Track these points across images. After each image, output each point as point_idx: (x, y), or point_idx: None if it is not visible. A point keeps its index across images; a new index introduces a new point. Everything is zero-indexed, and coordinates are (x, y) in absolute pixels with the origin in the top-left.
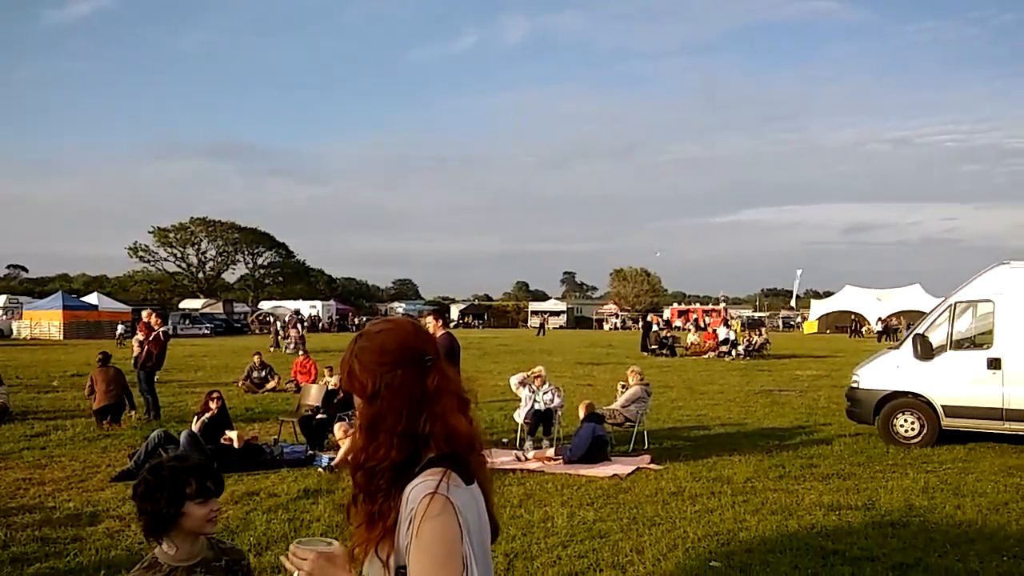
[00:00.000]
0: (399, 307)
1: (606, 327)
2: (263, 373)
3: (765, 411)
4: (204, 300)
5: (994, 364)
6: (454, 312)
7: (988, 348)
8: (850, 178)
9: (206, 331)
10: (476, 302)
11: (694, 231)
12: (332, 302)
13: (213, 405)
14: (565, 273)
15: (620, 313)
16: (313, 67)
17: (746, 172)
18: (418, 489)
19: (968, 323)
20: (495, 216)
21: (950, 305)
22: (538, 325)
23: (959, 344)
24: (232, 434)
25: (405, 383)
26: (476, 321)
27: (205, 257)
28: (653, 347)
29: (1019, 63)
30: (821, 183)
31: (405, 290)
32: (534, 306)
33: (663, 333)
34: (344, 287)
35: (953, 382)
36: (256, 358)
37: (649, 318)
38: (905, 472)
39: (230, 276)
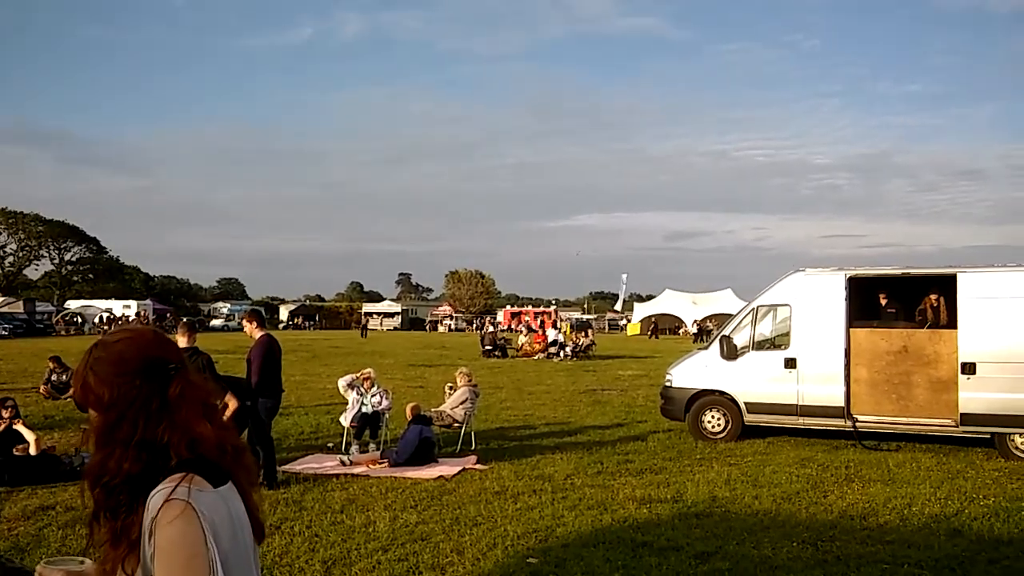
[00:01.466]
0: (223, 307)
1: (441, 329)
2: (64, 377)
3: (588, 410)
4: (2, 298)
5: (790, 364)
6: (283, 313)
7: (785, 349)
8: (673, 188)
9: (3, 332)
10: (307, 302)
11: (528, 235)
12: (149, 302)
13: (5, 414)
14: (401, 274)
15: (455, 315)
16: (137, 51)
17: (578, 179)
18: (156, 497)
19: (768, 326)
20: (329, 214)
21: (752, 309)
22: (361, 326)
23: (760, 345)
24: (30, 436)
25: (143, 393)
26: (307, 322)
27: (4, 252)
28: (487, 348)
29: (824, 85)
30: (647, 192)
31: (231, 289)
32: (368, 307)
33: (497, 333)
34: (163, 286)
35: (754, 381)
36: (52, 362)
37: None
38: (711, 465)
39: (33, 273)
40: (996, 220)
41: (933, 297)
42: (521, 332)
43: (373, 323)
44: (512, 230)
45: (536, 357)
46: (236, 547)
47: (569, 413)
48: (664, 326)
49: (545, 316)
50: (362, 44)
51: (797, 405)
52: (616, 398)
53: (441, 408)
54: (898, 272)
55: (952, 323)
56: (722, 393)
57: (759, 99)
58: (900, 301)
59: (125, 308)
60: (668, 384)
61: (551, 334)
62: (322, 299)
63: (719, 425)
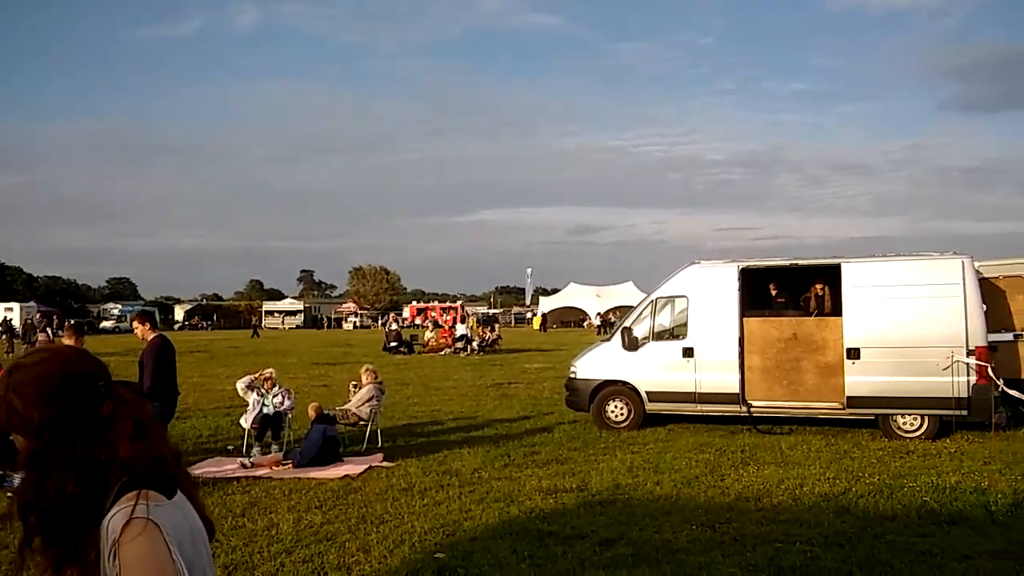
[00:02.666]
0: (114, 308)
1: (345, 326)
2: None
3: (495, 404)
4: None
5: (688, 353)
6: (179, 313)
7: (683, 339)
8: (576, 183)
9: None
10: (204, 302)
11: (434, 230)
12: (33, 304)
13: None
14: (302, 271)
15: (360, 312)
16: (16, 43)
17: (483, 174)
18: (116, 518)
19: (667, 317)
20: (226, 210)
21: (652, 301)
22: (252, 326)
23: (660, 336)
24: None
25: (75, 413)
26: (204, 322)
27: None
28: (393, 344)
29: (717, 83)
30: (551, 187)
31: (122, 289)
32: (268, 305)
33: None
34: (48, 287)
35: (655, 370)
36: None
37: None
38: (615, 454)
39: None
40: (878, 213)
41: (819, 286)
42: (427, 328)
43: (274, 322)
44: (417, 226)
45: (443, 352)
46: (196, 553)
47: (476, 407)
48: (569, 319)
49: (452, 311)
50: (258, 36)
51: (695, 393)
52: (523, 391)
53: (346, 406)
54: (786, 263)
55: (837, 311)
56: (624, 383)
57: (656, 96)
58: (789, 291)
59: (7, 311)
60: (572, 376)
61: (459, 329)
62: (220, 298)
63: (622, 414)
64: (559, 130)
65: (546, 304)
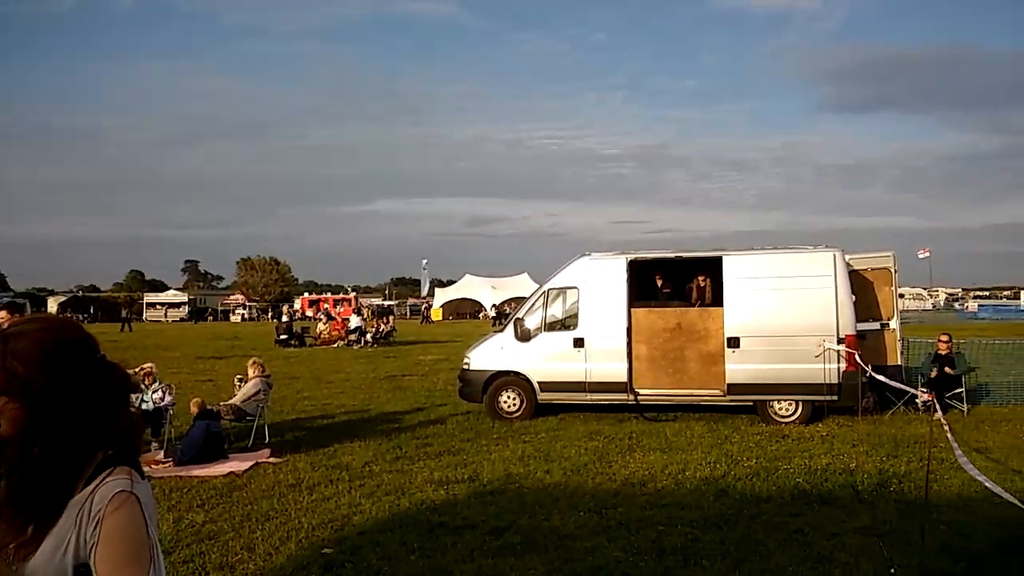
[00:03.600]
0: None
1: (233, 318)
2: None
3: (388, 396)
4: None
5: (579, 343)
6: (52, 305)
7: (574, 329)
8: (472, 174)
9: None
10: (80, 293)
11: (327, 220)
12: None
13: None
14: (187, 261)
15: (248, 304)
16: None
17: (377, 163)
18: (104, 490)
19: (559, 308)
20: (106, 197)
21: (544, 292)
22: (123, 319)
23: (552, 326)
24: None
25: (75, 381)
26: (80, 315)
27: None
28: (283, 337)
29: (610, 77)
30: (447, 177)
31: None
32: (150, 297)
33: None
34: None
35: (546, 361)
36: None
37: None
38: (507, 444)
39: None
40: (762, 207)
41: (701, 278)
42: (320, 320)
43: (156, 314)
44: (310, 215)
45: (335, 345)
46: (157, 531)
47: (369, 400)
48: (464, 311)
49: (345, 303)
50: (141, 13)
51: (585, 382)
52: (416, 383)
53: (231, 402)
54: (671, 255)
55: (719, 302)
56: (517, 374)
57: (551, 89)
58: (674, 282)
59: None
60: (466, 367)
61: (354, 321)
62: (98, 289)
63: (514, 405)
64: (455, 120)
65: (442, 296)
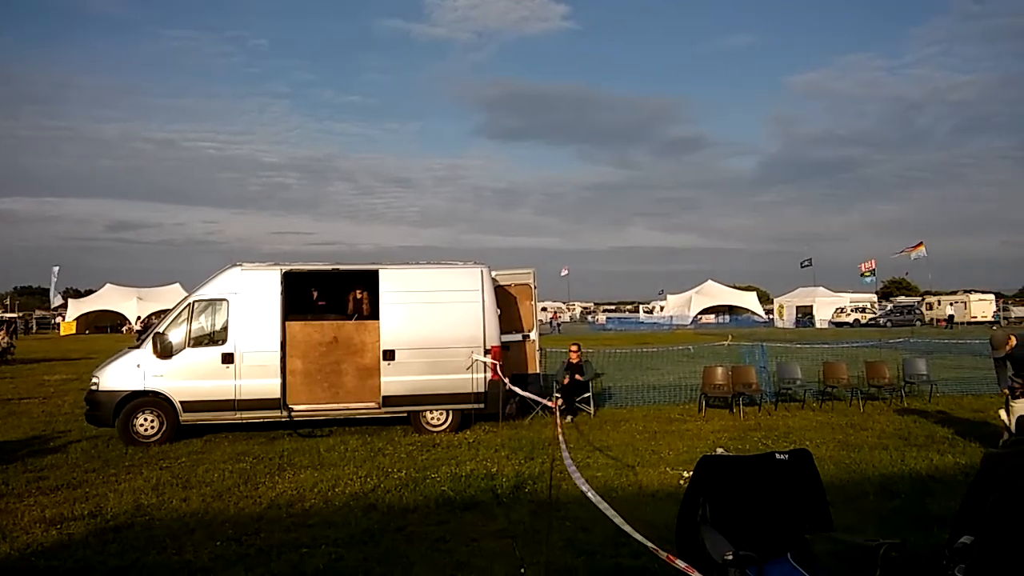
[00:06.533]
0: None
1: None
2: None
3: None
4: None
5: (227, 359)
6: None
7: (223, 344)
8: (116, 174)
9: None
10: None
11: None
12: None
13: None
14: None
15: None
16: None
17: (2, 157)
18: None
19: (206, 321)
20: None
21: (189, 304)
22: None
23: (198, 341)
24: None
25: None
26: None
27: None
28: None
29: (272, 85)
30: (84, 176)
31: None
32: None
33: None
34: None
35: (191, 378)
36: None
37: None
38: (140, 472)
39: None
40: (424, 224)
41: (358, 291)
42: None
43: None
44: None
45: None
46: None
47: None
48: (105, 323)
49: None
50: None
51: (235, 400)
52: (36, 407)
53: None
54: (329, 268)
55: (376, 315)
56: (156, 393)
57: (208, 90)
58: (332, 295)
59: None
60: (94, 387)
61: None
62: None
63: (152, 427)
64: (95, 114)
65: (77, 307)
